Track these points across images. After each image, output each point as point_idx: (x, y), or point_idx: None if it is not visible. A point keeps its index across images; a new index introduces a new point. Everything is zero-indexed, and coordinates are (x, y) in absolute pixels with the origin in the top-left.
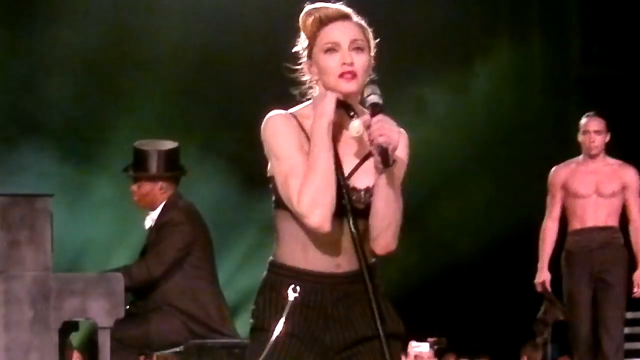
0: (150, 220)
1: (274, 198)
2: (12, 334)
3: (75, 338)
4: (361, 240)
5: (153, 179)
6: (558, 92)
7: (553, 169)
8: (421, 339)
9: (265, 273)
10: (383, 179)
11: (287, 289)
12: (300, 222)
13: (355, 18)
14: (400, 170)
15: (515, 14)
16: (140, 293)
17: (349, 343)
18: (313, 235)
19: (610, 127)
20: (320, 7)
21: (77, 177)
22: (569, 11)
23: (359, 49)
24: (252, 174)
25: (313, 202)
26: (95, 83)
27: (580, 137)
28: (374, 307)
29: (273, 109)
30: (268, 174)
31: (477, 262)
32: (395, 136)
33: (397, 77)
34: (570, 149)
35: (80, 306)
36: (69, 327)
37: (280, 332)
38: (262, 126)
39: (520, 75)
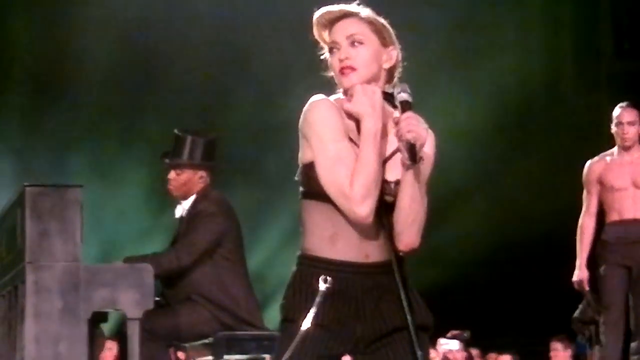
0: (181, 209)
1: (302, 188)
2: (41, 325)
3: (106, 328)
4: (390, 231)
5: (195, 167)
6: (589, 88)
7: (587, 163)
8: (445, 332)
9: (294, 267)
10: (409, 175)
11: (317, 281)
12: (330, 212)
13: (362, 14)
14: (427, 167)
15: (547, 10)
16: (170, 282)
17: (379, 334)
18: (342, 225)
19: None
20: (323, 12)
21: (108, 168)
22: (600, 7)
23: (357, 42)
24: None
25: (367, 191)
26: (130, 73)
27: (614, 129)
28: (404, 297)
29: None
30: (301, 161)
31: (507, 257)
32: (423, 133)
33: (422, 75)
34: (603, 144)
35: (109, 297)
36: (98, 318)
37: (311, 324)
38: (304, 110)
39: (551, 72)
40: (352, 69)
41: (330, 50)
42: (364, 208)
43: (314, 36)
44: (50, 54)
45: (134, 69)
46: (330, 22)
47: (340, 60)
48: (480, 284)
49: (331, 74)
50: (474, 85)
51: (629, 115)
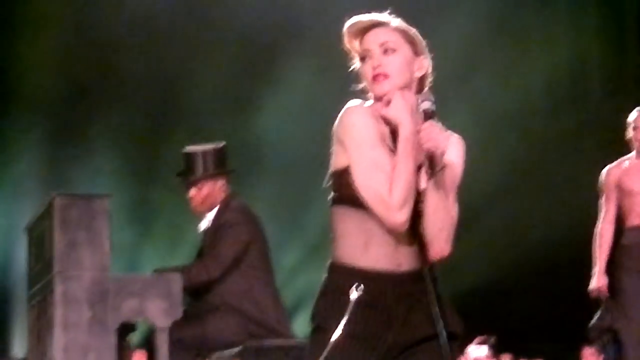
0: (206, 222)
1: (333, 195)
2: (70, 335)
3: (135, 337)
4: (421, 239)
5: (214, 177)
6: (615, 92)
7: (605, 169)
8: (471, 340)
9: (325, 276)
10: (432, 183)
11: (350, 289)
12: (363, 219)
13: (393, 23)
14: (455, 175)
15: (573, 16)
16: (197, 294)
17: (410, 343)
18: (375, 233)
19: None
20: (354, 22)
21: (136, 178)
22: (625, 9)
23: (390, 50)
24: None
25: (405, 198)
26: (157, 89)
27: (631, 133)
28: (436, 306)
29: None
30: (335, 166)
31: (535, 263)
32: (443, 142)
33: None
34: (629, 148)
35: (137, 307)
36: (126, 328)
37: (342, 333)
38: (341, 115)
39: (577, 76)
40: (385, 76)
41: (362, 59)
42: (402, 215)
43: (344, 46)
44: (82, 69)
45: (162, 82)
46: (362, 31)
47: (374, 68)
48: (510, 289)
49: (362, 83)
50: (499, 90)
51: None
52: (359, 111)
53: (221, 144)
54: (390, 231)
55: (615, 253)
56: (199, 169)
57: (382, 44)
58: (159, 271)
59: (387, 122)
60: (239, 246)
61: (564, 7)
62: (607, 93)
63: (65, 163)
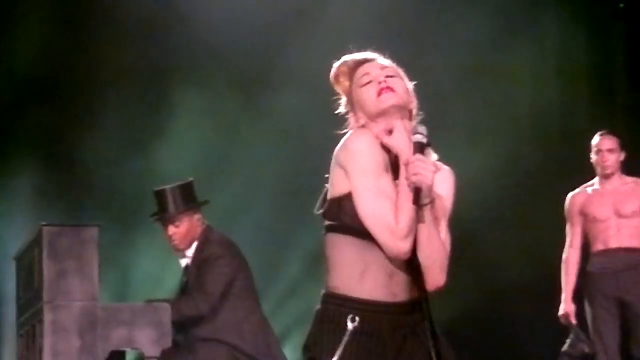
0: (186, 258)
1: (330, 222)
2: None
3: None
4: (416, 270)
5: (187, 211)
6: (603, 128)
7: (569, 196)
8: None
9: (318, 306)
10: (422, 216)
11: (345, 320)
12: (361, 247)
13: (385, 61)
14: (445, 207)
15: (563, 51)
16: (185, 328)
17: None
18: (372, 262)
19: None
20: (347, 60)
21: (125, 207)
22: (614, 39)
23: (391, 76)
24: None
25: (410, 227)
26: (141, 115)
27: (593, 157)
28: (431, 338)
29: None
30: (334, 193)
31: (525, 291)
32: (429, 176)
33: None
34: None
35: (127, 336)
36: (116, 357)
37: None
38: (345, 141)
39: (566, 104)
40: (392, 89)
41: (363, 84)
42: (406, 243)
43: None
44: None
45: (147, 108)
46: (356, 64)
47: (379, 83)
48: (498, 318)
49: (356, 121)
50: (487, 122)
51: (608, 142)
52: (365, 138)
53: (189, 179)
54: (387, 261)
55: (582, 280)
56: (171, 206)
57: (383, 68)
58: (150, 301)
59: (387, 150)
60: (225, 279)
61: (552, 47)
62: (595, 130)
63: (54, 192)
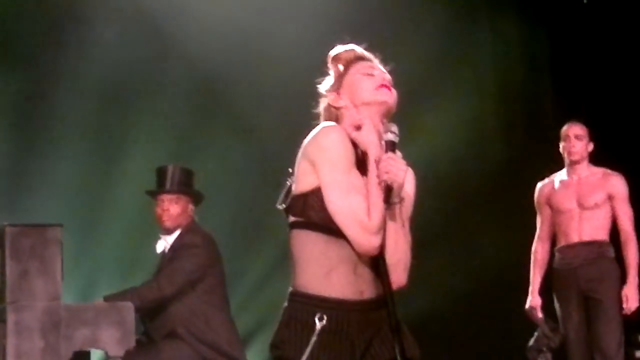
0: (163, 244)
1: (295, 218)
2: None
3: None
4: (381, 268)
5: (189, 196)
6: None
7: (537, 186)
8: None
9: (285, 304)
10: (391, 215)
11: (313, 318)
12: (327, 244)
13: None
14: (408, 206)
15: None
16: (152, 316)
17: None
18: (338, 260)
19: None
20: (355, 49)
21: (88, 205)
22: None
23: (390, 85)
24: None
25: (381, 223)
26: (112, 107)
27: (561, 145)
28: (397, 333)
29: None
30: (300, 188)
31: (491, 287)
32: (401, 175)
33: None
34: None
35: (90, 336)
36: (79, 357)
37: None
38: (315, 135)
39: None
40: (390, 90)
41: (366, 74)
42: (377, 239)
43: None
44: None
45: (115, 109)
46: (363, 57)
47: (382, 79)
48: (464, 314)
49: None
50: (430, 132)
51: (576, 129)
52: (336, 132)
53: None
54: (354, 259)
55: (548, 273)
56: (170, 182)
57: (387, 74)
58: (110, 297)
59: (355, 145)
60: (195, 267)
61: (491, 65)
62: (561, 116)
63: (16, 192)
